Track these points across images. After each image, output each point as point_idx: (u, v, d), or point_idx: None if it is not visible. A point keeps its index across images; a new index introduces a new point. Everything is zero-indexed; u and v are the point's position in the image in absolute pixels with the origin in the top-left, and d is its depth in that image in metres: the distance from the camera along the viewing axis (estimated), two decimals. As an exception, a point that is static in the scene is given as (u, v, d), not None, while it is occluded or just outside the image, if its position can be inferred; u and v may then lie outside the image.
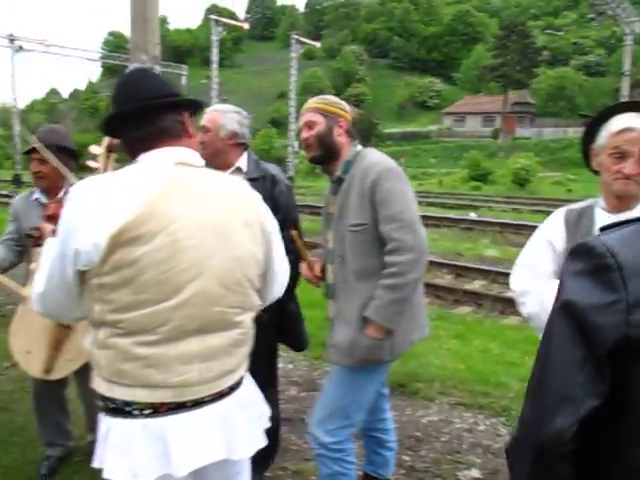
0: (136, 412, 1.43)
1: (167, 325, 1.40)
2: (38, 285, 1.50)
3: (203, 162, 1.61)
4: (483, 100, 61.72)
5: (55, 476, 3.14)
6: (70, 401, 3.40)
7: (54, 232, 1.75)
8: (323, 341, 4.70)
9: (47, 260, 1.49)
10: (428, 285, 8.34)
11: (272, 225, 1.68)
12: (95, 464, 1.50)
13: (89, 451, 3.26)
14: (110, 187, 1.41)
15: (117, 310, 1.38)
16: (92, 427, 3.32)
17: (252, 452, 1.61)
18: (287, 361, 5.01)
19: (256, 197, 1.65)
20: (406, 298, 2.25)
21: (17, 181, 31.92)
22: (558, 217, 2.03)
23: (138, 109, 1.52)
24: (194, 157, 1.57)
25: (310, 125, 2.43)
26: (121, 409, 1.44)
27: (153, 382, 1.42)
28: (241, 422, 1.57)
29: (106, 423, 1.48)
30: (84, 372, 3.05)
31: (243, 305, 1.56)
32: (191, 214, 1.42)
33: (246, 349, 1.63)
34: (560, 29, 76.28)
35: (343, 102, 2.52)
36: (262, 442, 1.66)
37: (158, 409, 1.44)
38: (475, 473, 3.29)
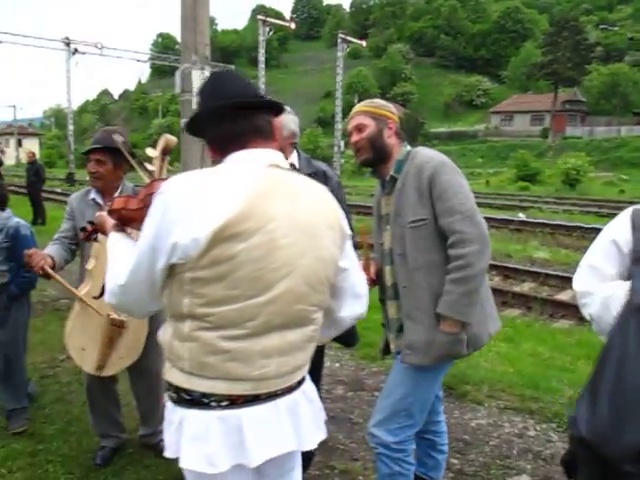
0: (213, 404, 1.47)
1: (255, 320, 1.44)
2: (119, 278, 1.50)
3: (288, 164, 1.64)
4: (532, 98, 60.29)
5: (109, 466, 3.23)
6: (121, 395, 3.50)
7: (117, 227, 1.78)
8: (370, 341, 4.71)
9: (132, 253, 1.49)
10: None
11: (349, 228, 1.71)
12: (167, 454, 1.55)
13: (141, 444, 3.39)
14: (209, 184, 1.42)
15: (208, 304, 1.41)
16: (143, 421, 3.42)
17: (316, 444, 1.66)
18: (334, 360, 5.01)
19: (335, 200, 1.68)
20: (476, 289, 2.24)
21: (70, 179, 33.08)
22: (624, 217, 1.95)
23: (238, 103, 1.54)
24: (282, 159, 1.60)
25: (360, 128, 2.44)
26: (198, 401, 1.47)
27: (234, 375, 1.46)
28: (307, 415, 1.63)
29: (178, 414, 1.51)
30: (136, 368, 3.14)
31: (320, 304, 1.61)
32: (286, 214, 1.46)
33: (314, 345, 1.67)
34: (615, 24, 73.62)
35: (390, 104, 2.54)
36: (324, 434, 1.70)
37: (235, 401, 1.48)
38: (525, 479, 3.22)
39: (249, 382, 1.47)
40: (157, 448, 3.35)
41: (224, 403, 1.47)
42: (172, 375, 1.51)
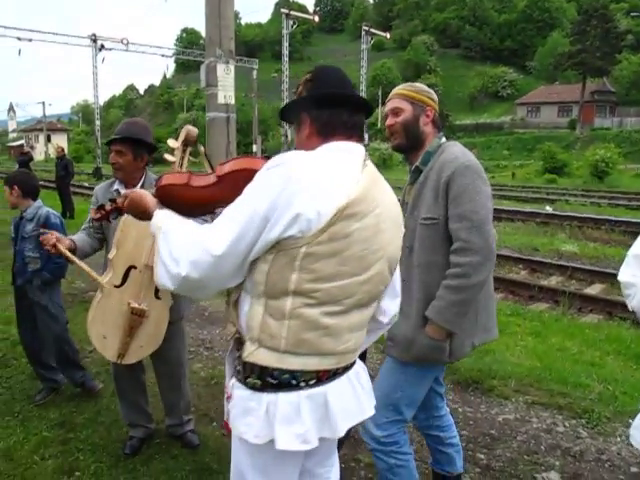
0: (302, 384, 1.51)
1: (352, 298, 1.52)
2: (214, 248, 1.42)
3: None
4: (559, 89, 59.12)
5: (137, 456, 3.28)
6: (149, 387, 3.55)
7: (160, 205, 1.70)
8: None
9: (232, 224, 1.43)
10: (503, 280, 8.11)
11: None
12: (257, 440, 1.51)
13: (168, 434, 3.44)
14: (327, 164, 1.49)
15: (317, 280, 1.45)
16: (168, 411, 3.46)
17: (374, 410, 1.75)
18: (358, 353, 5.00)
19: None
20: (469, 300, 2.19)
21: (97, 173, 33.60)
22: None
23: (363, 100, 1.68)
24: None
25: (396, 112, 2.38)
26: (287, 383, 1.50)
27: (324, 350, 1.52)
28: (366, 383, 1.74)
29: (264, 400, 1.50)
30: (160, 357, 3.17)
31: (387, 286, 1.72)
32: (385, 202, 1.58)
33: None
34: (646, 12, 71.57)
35: (432, 91, 2.45)
36: (374, 401, 1.78)
37: (321, 378, 1.54)
38: (554, 476, 3.17)
39: (334, 356, 1.55)
40: (184, 439, 3.40)
41: (312, 382, 1.52)
42: (259, 356, 1.50)
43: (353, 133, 1.63)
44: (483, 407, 4.00)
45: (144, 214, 1.70)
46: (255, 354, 1.50)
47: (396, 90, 2.44)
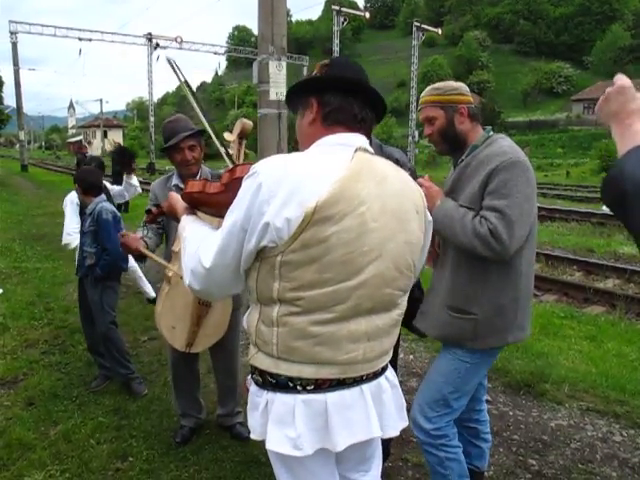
0: (299, 387, 1.48)
1: (344, 304, 1.43)
2: (204, 260, 1.47)
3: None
4: (619, 85, 56.92)
5: (187, 445, 3.35)
6: (201, 377, 3.61)
7: (188, 210, 1.77)
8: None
9: (219, 235, 1.47)
10: (556, 281, 7.89)
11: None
12: (253, 436, 1.56)
13: (218, 424, 3.49)
14: (302, 166, 1.40)
15: (298, 288, 1.39)
16: (221, 400, 3.52)
17: (398, 431, 1.65)
18: (408, 352, 4.95)
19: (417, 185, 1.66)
20: (454, 240, 2.23)
21: (151, 168, 34.49)
22: None
23: (378, 96, 1.57)
24: (368, 144, 1.57)
25: (430, 120, 2.36)
26: (284, 384, 1.49)
27: (321, 359, 1.46)
28: (390, 401, 1.63)
29: (264, 397, 1.52)
30: (216, 345, 3.22)
31: (406, 288, 1.60)
32: (376, 197, 1.44)
33: (398, 330, 1.66)
34: None
35: (461, 85, 2.37)
36: (406, 422, 1.69)
37: (321, 385, 1.49)
38: (611, 486, 3.06)
39: (335, 366, 1.47)
40: (233, 430, 3.44)
41: (310, 387, 1.47)
42: (258, 360, 1.52)
43: (361, 127, 1.54)
44: (535, 411, 3.90)
45: (177, 219, 1.82)
46: (256, 357, 1.52)
47: (424, 97, 2.39)
